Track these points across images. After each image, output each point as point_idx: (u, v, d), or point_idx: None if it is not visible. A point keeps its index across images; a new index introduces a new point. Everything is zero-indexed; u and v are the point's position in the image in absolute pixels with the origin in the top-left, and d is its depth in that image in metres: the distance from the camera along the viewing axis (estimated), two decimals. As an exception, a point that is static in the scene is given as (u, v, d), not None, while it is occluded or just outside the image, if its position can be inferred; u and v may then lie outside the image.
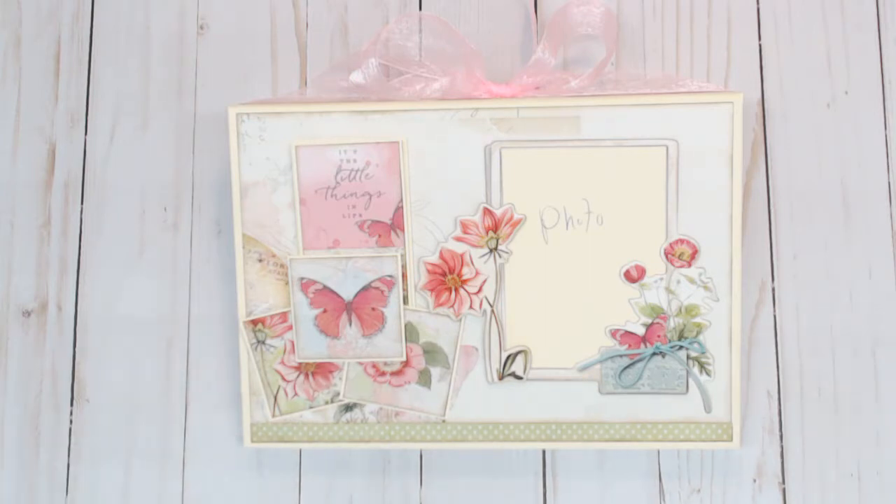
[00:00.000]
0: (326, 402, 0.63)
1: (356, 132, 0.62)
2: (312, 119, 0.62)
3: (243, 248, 0.63)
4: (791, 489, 0.64)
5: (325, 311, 0.63)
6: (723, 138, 0.61)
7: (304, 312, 0.63)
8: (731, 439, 0.62)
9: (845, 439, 0.64)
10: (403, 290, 0.62)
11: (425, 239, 0.62)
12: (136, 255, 0.68)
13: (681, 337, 0.62)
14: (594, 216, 0.62)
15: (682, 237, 0.61)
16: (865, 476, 0.64)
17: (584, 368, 0.62)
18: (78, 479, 0.67)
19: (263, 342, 0.63)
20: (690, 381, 0.62)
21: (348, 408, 0.64)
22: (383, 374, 0.63)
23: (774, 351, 0.65)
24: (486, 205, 0.62)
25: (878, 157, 0.65)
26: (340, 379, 0.63)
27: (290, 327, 0.63)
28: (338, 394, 0.63)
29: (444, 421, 0.63)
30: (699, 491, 0.64)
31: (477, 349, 0.63)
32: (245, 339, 0.63)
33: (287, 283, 0.63)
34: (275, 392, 0.63)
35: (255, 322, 0.63)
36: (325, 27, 0.68)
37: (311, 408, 0.63)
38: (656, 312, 0.62)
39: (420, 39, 0.66)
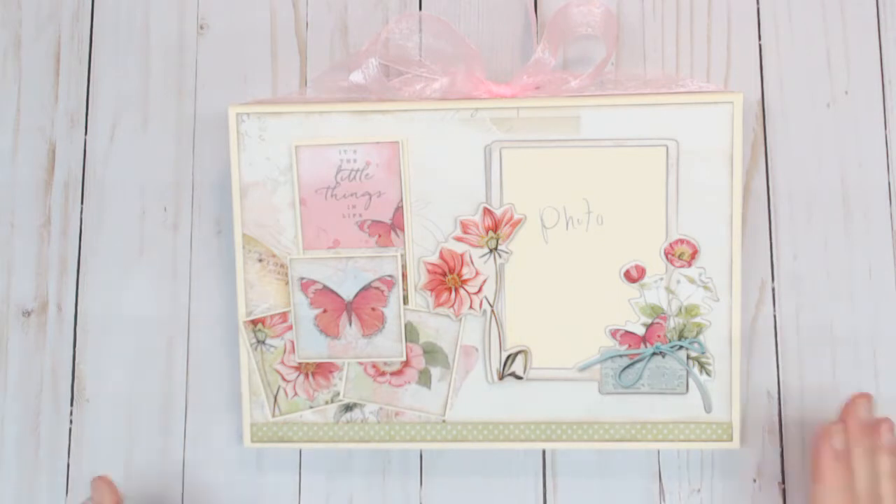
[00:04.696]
0: (326, 402, 0.63)
1: (356, 132, 0.62)
2: (312, 119, 0.62)
3: (243, 248, 0.63)
4: (791, 489, 0.64)
5: (325, 311, 0.63)
6: (723, 138, 0.61)
7: (304, 312, 0.63)
8: (731, 439, 0.62)
9: (845, 439, 0.64)
10: (403, 290, 0.62)
11: (425, 239, 0.62)
12: (136, 255, 0.68)
13: (681, 337, 0.62)
14: (594, 216, 0.62)
15: (682, 237, 0.61)
16: (865, 476, 0.64)
17: (584, 368, 0.62)
18: (78, 479, 0.67)
19: (263, 342, 0.63)
20: (690, 381, 0.62)
21: (348, 408, 0.64)
22: (383, 374, 0.63)
23: (774, 351, 0.65)
24: (486, 205, 0.62)
25: (878, 157, 0.65)
26: (340, 379, 0.63)
27: (290, 327, 0.63)
28: (338, 394, 0.63)
29: (444, 421, 0.63)
30: (699, 491, 0.64)
31: (477, 349, 0.63)
32: (245, 339, 0.63)
33: (287, 283, 0.63)
34: (275, 392, 0.64)
35: (255, 322, 0.63)
36: (325, 27, 0.68)
37: (311, 408, 0.64)
38: (656, 312, 0.62)
39: (420, 39, 0.66)
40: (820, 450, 0.58)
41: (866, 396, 0.62)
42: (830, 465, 0.57)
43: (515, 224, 0.62)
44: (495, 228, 0.62)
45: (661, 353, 0.62)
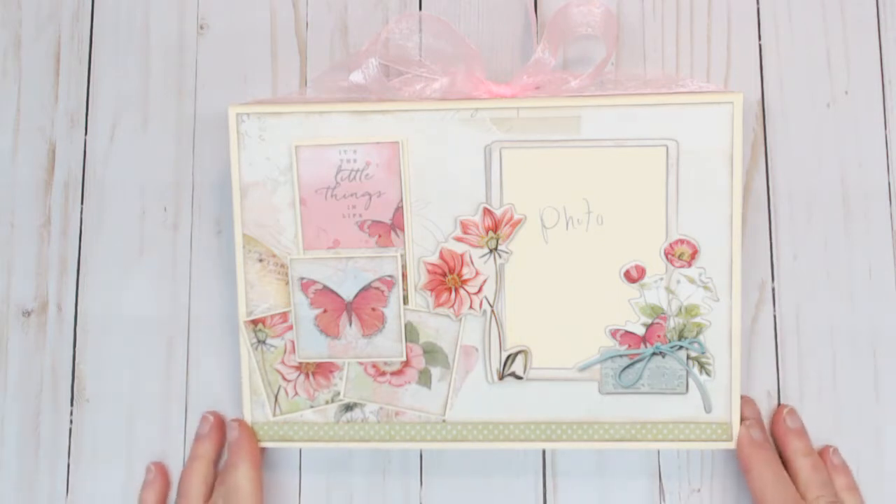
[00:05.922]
0: (327, 402, 0.63)
1: (356, 132, 0.62)
2: (312, 119, 0.62)
3: (243, 248, 0.63)
4: (791, 489, 0.64)
5: (325, 311, 0.63)
6: (723, 138, 0.61)
7: (304, 312, 0.63)
8: (730, 439, 0.62)
9: (845, 439, 0.64)
10: (403, 290, 0.62)
11: (425, 239, 0.62)
12: (136, 255, 0.68)
13: (681, 337, 0.62)
14: (594, 216, 0.62)
15: (682, 237, 0.61)
16: (865, 476, 0.64)
17: (584, 368, 0.62)
18: (78, 479, 0.67)
19: (264, 342, 0.63)
20: (690, 381, 0.62)
21: (348, 407, 0.64)
22: (383, 374, 0.63)
23: (774, 351, 0.65)
24: (486, 205, 0.62)
25: (878, 157, 0.65)
26: (341, 379, 0.63)
27: (291, 327, 0.63)
28: (338, 393, 0.63)
29: (444, 421, 0.63)
30: (699, 491, 0.64)
31: (477, 349, 0.63)
32: (245, 339, 0.63)
33: (287, 283, 0.63)
34: (275, 392, 0.64)
35: (255, 322, 0.63)
36: (325, 27, 0.68)
37: (311, 407, 0.64)
38: (656, 312, 0.62)
39: (420, 39, 0.66)
40: (742, 443, 0.61)
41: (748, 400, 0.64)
42: (754, 453, 0.60)
43: (515, 224, 0.62)
44: (495, 228, 0.62)
45: (661, 353, 0.62)
